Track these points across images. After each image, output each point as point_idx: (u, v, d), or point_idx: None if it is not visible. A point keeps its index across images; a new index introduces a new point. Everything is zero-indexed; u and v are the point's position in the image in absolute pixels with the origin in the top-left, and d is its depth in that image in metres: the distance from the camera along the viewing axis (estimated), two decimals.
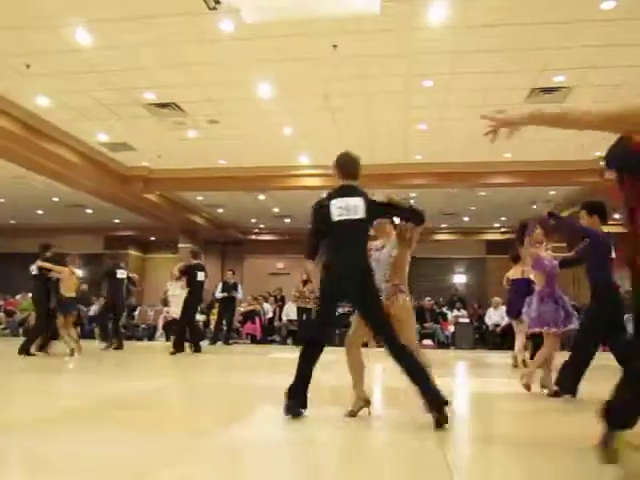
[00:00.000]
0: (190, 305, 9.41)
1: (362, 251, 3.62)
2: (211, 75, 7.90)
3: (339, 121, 9.56)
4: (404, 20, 6.40)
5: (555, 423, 3.71)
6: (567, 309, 4.82)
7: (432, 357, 10.51)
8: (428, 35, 6.73)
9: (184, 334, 9.29)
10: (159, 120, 9.63)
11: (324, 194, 3.94)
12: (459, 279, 19.59)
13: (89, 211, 16.76)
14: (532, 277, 5.74)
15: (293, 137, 10.42)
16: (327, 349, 3.52)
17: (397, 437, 3.21)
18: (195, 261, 9.62)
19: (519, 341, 7.45)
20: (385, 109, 8.98)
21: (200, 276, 9.39)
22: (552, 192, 13.69)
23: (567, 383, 4.46)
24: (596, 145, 10.09)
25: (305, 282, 12.20)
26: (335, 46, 6.99)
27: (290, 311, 13.57)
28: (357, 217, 3.57)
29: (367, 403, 3.61)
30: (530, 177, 11.73)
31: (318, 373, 3.51)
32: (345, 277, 3.51)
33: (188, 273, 9.45)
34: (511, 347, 9.11)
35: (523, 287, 6.92)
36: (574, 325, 4.79)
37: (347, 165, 3.84)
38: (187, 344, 9.27)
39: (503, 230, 18.93)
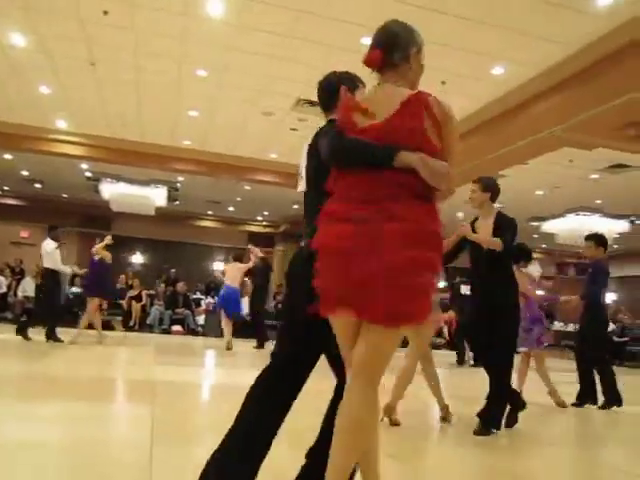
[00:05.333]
0: None
1: None
2: None
3: (106, 92, 8.96)
4: (181, 4, 6.29)
5: None
6: None
7: (181, 343, 10.51)
8: (205, 26, 6.71)
9: None
10: None
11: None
12: (219, 266, 19.88)
13: None
14: None
15: (51, 98, 9.44)
16: None
17: (106, 435, 3.16)
18: None
19: None
20: (156, 89, 8.69)
21: None
22: None
23: None
24: None
25: None
26: (106, 13, 6.53)
27: (27, 287, 12.30)
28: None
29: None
30: (291, 179, 12.42)
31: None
32: None
33: None
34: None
35: None
36: None
37: None
38: None
39: (265, 223, 19.82)
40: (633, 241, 15.08)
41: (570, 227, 13.60)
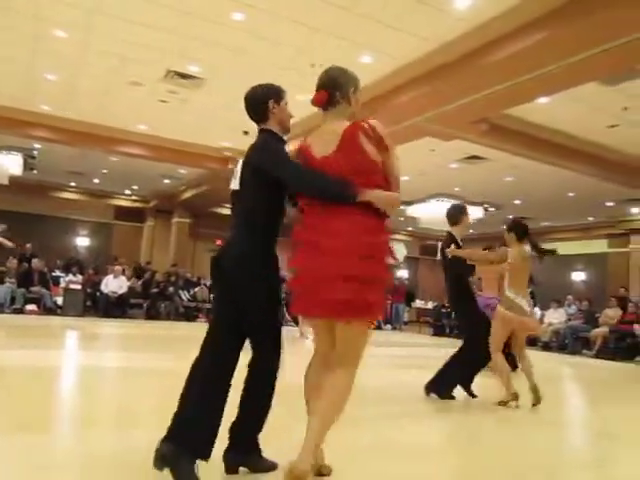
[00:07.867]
0: None
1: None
2: None
3: None
4: None
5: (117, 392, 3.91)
6: None
7: (36, 324, 9.81)
8: None
9: None
10: None
11: None
12: (82, 242, 18.74)
13: None
14: None
15: None
16: None
17: None
18: None
19: None
20: (8, 47, 7.89)
21: None
22: (182, 171, 14.35)
23: None
24: (222, 135, 11.06)
25: None
26: None
27: None
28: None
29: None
30: (162, 153, 12.01)
31: None
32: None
33: None
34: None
35: None
36: None
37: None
38: None
39: (134, 198, 18.97)
40: (486, 226, 16.42)
41: (431, 212, 14.51)
